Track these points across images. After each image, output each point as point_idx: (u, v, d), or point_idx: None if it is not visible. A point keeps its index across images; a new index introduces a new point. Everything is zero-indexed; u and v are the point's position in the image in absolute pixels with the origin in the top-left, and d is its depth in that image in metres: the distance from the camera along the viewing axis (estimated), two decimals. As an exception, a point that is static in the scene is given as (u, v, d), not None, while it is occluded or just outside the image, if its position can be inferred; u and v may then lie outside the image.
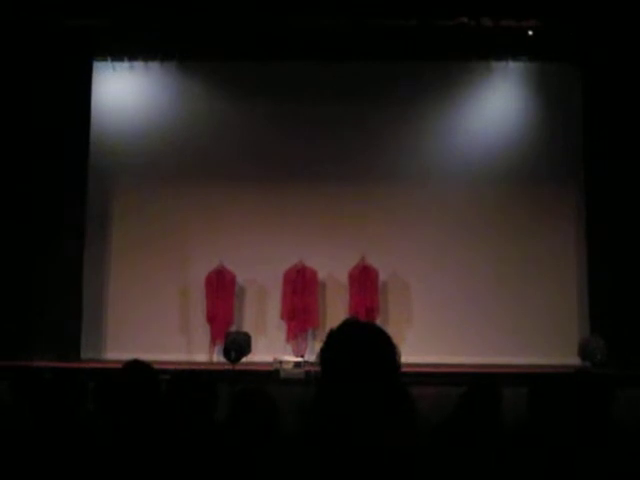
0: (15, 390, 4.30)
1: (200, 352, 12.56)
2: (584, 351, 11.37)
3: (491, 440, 3.48)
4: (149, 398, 3.64)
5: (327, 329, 2.20)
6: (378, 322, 11.55)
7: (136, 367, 3.81)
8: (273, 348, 12.02)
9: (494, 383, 4.00)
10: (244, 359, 11.24)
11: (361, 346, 2.09)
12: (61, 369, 8.80)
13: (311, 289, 12.62)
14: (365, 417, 2.03)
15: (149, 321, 12.45)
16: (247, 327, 12.43)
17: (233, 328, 12.39)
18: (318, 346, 2.19)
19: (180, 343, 12.64)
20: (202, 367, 10.73)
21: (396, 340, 2.17)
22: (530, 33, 12.11)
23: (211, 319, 12.61)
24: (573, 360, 11.35)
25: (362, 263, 12.56)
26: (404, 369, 2.16)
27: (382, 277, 12.69)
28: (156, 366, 3.88)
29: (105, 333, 12.79)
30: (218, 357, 12.13)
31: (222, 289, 12.63)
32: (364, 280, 12.54)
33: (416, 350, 11.23)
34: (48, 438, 3.60)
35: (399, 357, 2.13)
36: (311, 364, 10.46)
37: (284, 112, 12.89)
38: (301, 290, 12.56)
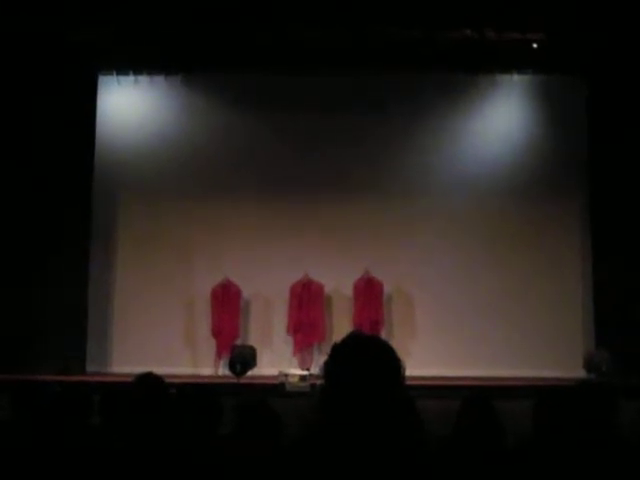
0: (17, 405, 4.28)
1: (205, 366, 12.53)
2: (589, 363, 11.35)
3: (493, 451, 3.48)
4: (158, 411, 3.65)
5: (333, 342, 2.20)
6: (383, 335, 11.55)
7: (149, 380, 3.82)
8: (279, 361, 11.99)
9: (485, 396, 3.99)
10: (249, 372, 11.23)
11: (365, 359, 2.10)
12: (66, 382, 8.80)
13: (317, 302, 12.61)
14: (369, 430, 2.03)
15: (154, 334, 12.44)
16: (252, 341, 12.41)
17: (239, 342, 12.38)
18: (324, 359, 2.19)
19: (185, 356, 12.63)
20: (207, 380, 10.73)
21: (401, 353, 2.17)
22: (535, 46, 12.11)
23: (217, 333, 12.58)
24: (578, 372, 11.32)
25: (367, 275, 12.53)
26: (409, 382, 2.16)
27: (387, 290, 12.68)
28: (161, 380, 3.89)
29: (110, 346, 12.78)
30: (223, 370, 12.10)
31: (228, 303, 12.62)
32: (369, 293, 12.53)
33: (421, 363, 11.20)
34: (51, 452, 3.59)
35: (403, 370, 2.13)
36: (317, 377, 10.44)
37: (288, 125, 12.92)
38: (307, 304, 12.55)
